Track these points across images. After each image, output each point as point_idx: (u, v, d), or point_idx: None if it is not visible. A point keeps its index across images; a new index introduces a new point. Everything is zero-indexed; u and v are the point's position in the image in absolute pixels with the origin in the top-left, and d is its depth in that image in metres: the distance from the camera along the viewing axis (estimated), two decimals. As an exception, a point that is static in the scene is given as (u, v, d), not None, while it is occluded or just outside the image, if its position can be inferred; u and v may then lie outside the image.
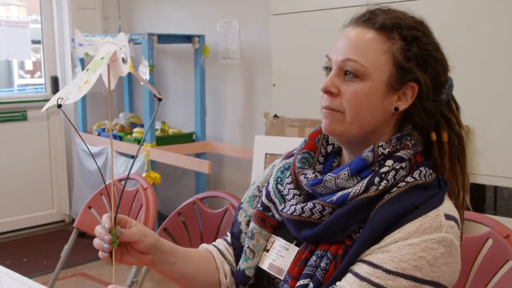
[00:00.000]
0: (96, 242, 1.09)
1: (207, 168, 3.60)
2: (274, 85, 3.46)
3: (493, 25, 2.51)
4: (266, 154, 3.26)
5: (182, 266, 1.23)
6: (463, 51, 2.58)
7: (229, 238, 1.34)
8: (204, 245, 1.36)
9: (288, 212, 1.15)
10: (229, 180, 4.36)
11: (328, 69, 1.15)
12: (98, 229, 1.09)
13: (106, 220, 1.09)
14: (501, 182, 2.52)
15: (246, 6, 4.10)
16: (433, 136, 1.15)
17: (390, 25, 1.10)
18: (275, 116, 3.38)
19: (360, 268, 1.04)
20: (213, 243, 1.36)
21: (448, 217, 1.06)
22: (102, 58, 1.02)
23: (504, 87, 2.50)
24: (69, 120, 1.11)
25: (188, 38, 4.18)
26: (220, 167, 4.40)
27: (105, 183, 1.26)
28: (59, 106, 0.99)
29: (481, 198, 2.59)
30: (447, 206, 1.09)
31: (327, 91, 1.12)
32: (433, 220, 1.04)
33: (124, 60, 1.02)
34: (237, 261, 1.28)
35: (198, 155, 4.22)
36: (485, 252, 1.50)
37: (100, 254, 1.10)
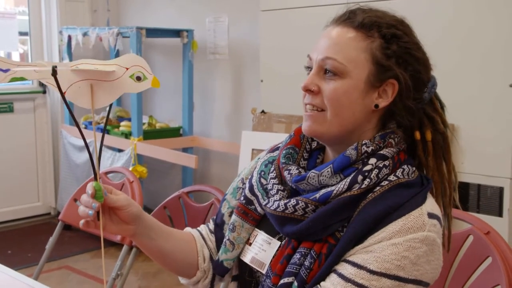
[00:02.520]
0: (81, 209, 1.09)
1: (194, 163, 3.61)
2: (262, 81, 3.47)
3: (477, 23, 2.54)
4: (253, 149, 3.28)
5: (163, 243, 1.24)
6: (446, 49, 2.61)
7: (211, 226, 1.35)
8: (188, 229, 1.37)
9: (272, 208, 1.16)
10: (216, 175, 4.37)
11: (309, 68, 1.16)
12: (84, 197, 1.10)
13: (91, 187, 1.09)
14: (485, 180, 2.56)
15: (235, 2, 4.11)
16: (417, 135, 1.16)
17: (369, 24, 1.11)
18: (263, 112, 3.39)
19: (344, 268, 1.05)
20: (197, 228, 1.38)
21: (431, 215, 1.07)
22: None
23: (489, 86, 2.53)
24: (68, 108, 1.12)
25: (177, 33, 4.18)
26: (207, 162, 4.41)
27: (95, 174, 1.24)
28: (54, 73, 1.00)
29: (465, 196, 2.62)
30: (430, 204, 1.10)
31: (307, 89, 1.13)
32: (416, 220, 1.05)
33: (139, 78, 1.06)
34: (218, 251, 1.29)
35: (185, 150, 4.23)
36: (466, 248, 1.53)
37: (82, 222, 1.10)
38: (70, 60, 4.37)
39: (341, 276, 1.05)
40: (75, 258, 3.97)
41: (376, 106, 1.12)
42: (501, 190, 2.51)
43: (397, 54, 1.11)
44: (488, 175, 2.54)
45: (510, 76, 2.45)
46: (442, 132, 1.18)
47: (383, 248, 1.03)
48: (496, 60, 2.49)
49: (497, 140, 2.50)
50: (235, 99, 4.22)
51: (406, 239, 1.03)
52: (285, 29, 3.28)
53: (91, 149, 1.08)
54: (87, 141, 1.09)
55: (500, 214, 2.52)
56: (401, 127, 1.17)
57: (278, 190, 1.18)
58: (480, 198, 2.58)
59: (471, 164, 2.59)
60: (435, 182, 1.16)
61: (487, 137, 2.54)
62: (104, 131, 1.14)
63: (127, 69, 1.05)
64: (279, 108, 3.31)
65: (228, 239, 1.25)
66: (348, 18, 1.13)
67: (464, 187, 2.61)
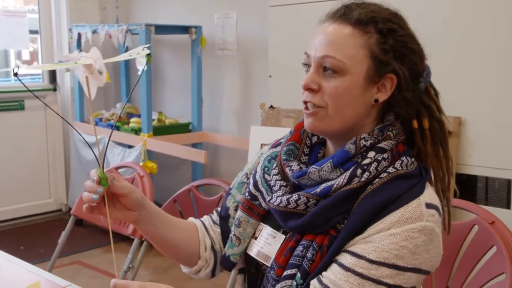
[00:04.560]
0: (85, 194, 1.12)
1: (203, 158, 3.64)
2: (270, 76, 3.49)
3: (477, 16, 2.56)
4: (261, 144, 3.30)
5: (166, 230, 1.26)
6: (449, 42, 2.63)
7: (214, 217, 1.38)
8: (191, 219, 1.40)
9: (275, 203, 1.18)
10: (225, 170, 4.40)
11: (307, 65, 1.18)
12: (88, 183, 1.12)
13: (95, 173, 1.11)
14: (492, 173, 2.57)
15: (243, -3, 4.13)
16: (415, 124, 1.18)
17: (365, 20, 1.13)
18: (271, 107, 3.42)
19: (344, 258, 1.08)
20: (200, 218, 1.40)
21: (429, 205, 1.09)
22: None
23: (494, 78, 2.54)
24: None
25: (185, 29, 4.21)
26: (216, 157, 4.45)
27: (98, 162, 1.28)
28: (15, 74, 1.02)
29: (473, 189, 2.64)
30: (428, 195, 1.12)
31: (308, 88, 1.15)
32: (414, 210, 1.07)
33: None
34: (224, 244, 1.32)
35: (194, 145, 4.26)
36: (471, 238, 1.55)
37: (85, 207, 1.12)
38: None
39: (342, 265, 1.08)
40: (87, 253, 4.02)
41: (376, 100, 1.14)
42: (509, 182, 2.53)
43: (394, 48, 1.13)
44: (496, 167, 2.56)
45: (517, 69, 2.46)
46: (438, 120, 1.19)
47: (382, 238, 1.06)
48: (502, 53, 2.50)
49: (504, 132, 2.52)
50: (244, 95, 4.25)
51: (404, 229, 1.05)
52: (293, 24, 3.31)
53: (103, 145, 1.11)
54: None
55: (508, 206, 2.54)
56: (399, 118, 1.19)
57: (280, 186, 1.21)
58: (488, 191, 2.60)
59: (479, 156, 2.60)
60: (433, 168, 1.18)
61: (494, 129, 2.55)
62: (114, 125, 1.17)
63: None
64: (287, 103, 3.34)
65: (234, 235, 1.28)
66: (344, 14, 1.15)
67: (472, 180, 2.63)
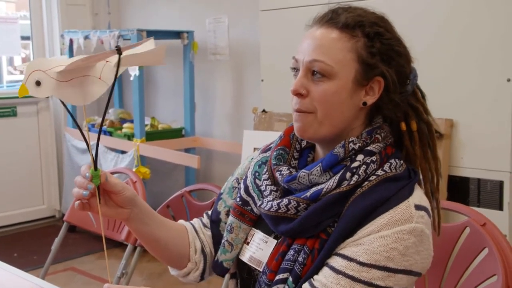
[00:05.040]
0: (75, 190, 1.12)
1: (196, 163, 3.64)
2: (262, 80, 3.50)
3: (474, 19, 2.57)
4: (254, 148, 3.31)
5: (156, 230, 1.26)
6: (443, 45, 2.64)
7: (205, 220, 1.38)
8: (181, 221, 1.41)
9: (266, 208, 1.19)
10: (218, 175, 4.40)
11: (295, 70, 1.18)
12: (79, 179, 1.12)
13: (86, 169, 1.11)
14: (484, 174, 2.59)
15: (235, 2, 4.14)
16: (403, 126, 1.19)
17: (352, 24, 1.14)
18: (264, 111, 3.43)
19: (335, 261, 1.09)
20: (190, 221, 1.41)
21: (418, 207, 1.10)
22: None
23: (487, 81, 2.55)
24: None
25: (177, 34, 4.21)
26: (209, 162, 4.45)
27: (93, 160, 1.27)
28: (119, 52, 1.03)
29: (465, 191, 2.65)
30: (417, 196, 1.12)
31: (297, 93, 1.15)
32: (403, 212, 1.08)
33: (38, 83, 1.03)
34: (215, 249, 1.32)
35: (187, 150, 4.26)
36: (463, 240, 1.56)
37: (77, 203, 1.12)
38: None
39: (333, 268, 1.08)
40: (80, 259, 4.01)
41: (364, 103, 1.15)
42: (501, 184, 2.54)
43: (381, 51, 1.14)
44: (488, 169, 2.57)
45: (508, 71, 2.47)
46: (426, 121, 1.21)
47: (372, 240, 1.06)
48: (494, 55, 2.52)
49: (496, 134, 2.53)
50: (236, 99, 4.25)
51: (394, 231, 1.06)
52: (285, 28, 3.31)
53: (92, 150, 1.10)
54: (91, 143, 1.12)
55: (500, 208, 2.55)
56: (387, 121, 1.21)
57: (271, 190, 1.21)
58: (480, 192, 2.61)
59: (471, 158, 2.62)
60: (422, 170, 1.20)
61: (486, 131, 2.57)
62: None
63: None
64: (279, 107, 3.35)
65: (227, 240, 1.28)
66: (331, 19, 1.16)
67: (464, 182, 2.64)
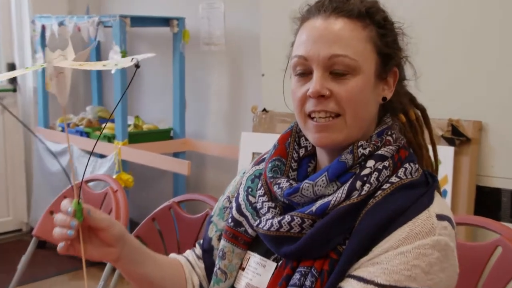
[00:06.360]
0: (57, 231, 1.10)
1: (186, 169, 3.64)
2: (263, 75, 3.50)
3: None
4: (253, 153, 3.31)
5: (150, 270, 1.26)
6: (478, 43, 2.64)
7: (198, 251, 1.38)
8: (173, 255, 1.41)
9: (265, 228, 1.17)
10: (211, 183, 4.40)
11: (301, 72, 1.17)
12: (59, 216, 1.10)
13: (68, 204, 1.09)
14: (519, 185, 2.58)
15: (232, -15, 4.15)
16: (402, 118, 1.22)
17: (364, 11, 1.14)
18: (264, 110, 3.43)
19: (350, 284, 1.08)
20: (183, 254, 1.41)
21: (440, 217, 1.10)
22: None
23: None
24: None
25: (165, 21, 4.21)
26: (201, 168, 4.44)
27: (71, 183, 1.28)
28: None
29: (496, 204, 2.64)
30: (438, 204, 1.12)
31: (319, 95, 1.13)
32: (424, 223, 1.07)
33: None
34: (209, 279, 1.32)
35: (176, 155, 4.26)
36: (494, 261, 1.56)
37: (61, 246, 1.11)
38: (44, 55, 4.40)
39: None
40: (51, 280, 3.99)
41: (384, 98, 1.16)
42: (537, 196, 2.54)
43: (391, 39, 1.16)
44: (523, 179, 2.57)
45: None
46: (421, 108, 1.26)
47: (391, 258, 1.06)
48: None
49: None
50: (233, 96, 4.25)
51: (414, 246, 1.06)
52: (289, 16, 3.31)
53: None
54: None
55: (536, 224, 2.55)
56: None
57: (269, 207, 1.20)
58: (513, 206, 2.61)
59: (503, 166, 2.61)
60: (418, 156, 1.24)
61: (521, 136, 2.57)
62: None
63: None
64: (282, 106, 3.30)
65: (219, 268, 1.27)
66: (338, 7, 1.15)
67: (495, 194, 2.63)
